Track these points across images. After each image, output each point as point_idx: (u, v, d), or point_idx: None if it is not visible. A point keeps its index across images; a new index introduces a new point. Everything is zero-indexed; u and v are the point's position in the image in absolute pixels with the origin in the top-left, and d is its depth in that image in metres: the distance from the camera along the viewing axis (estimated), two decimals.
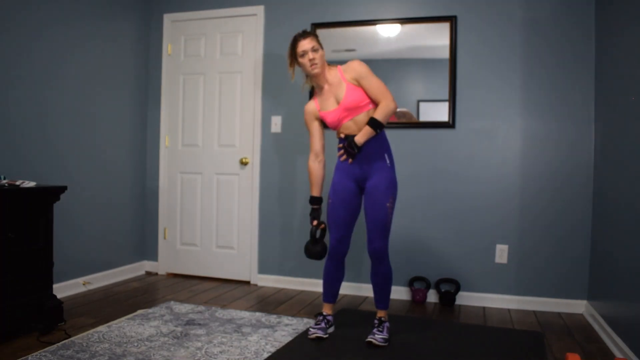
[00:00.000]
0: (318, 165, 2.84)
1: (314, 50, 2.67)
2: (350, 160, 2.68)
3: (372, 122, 2.62)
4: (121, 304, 3.41)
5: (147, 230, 4.40)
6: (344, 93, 2.68)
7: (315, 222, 2.82)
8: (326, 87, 2.76)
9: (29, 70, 3.22)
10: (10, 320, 2.61)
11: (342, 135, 2.72)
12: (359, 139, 2.63)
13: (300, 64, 2.73)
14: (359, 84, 2.68)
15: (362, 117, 2.67)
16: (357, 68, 2.69)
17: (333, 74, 2.75)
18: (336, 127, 2.76)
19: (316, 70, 2.69)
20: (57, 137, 3.45)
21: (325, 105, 2.76)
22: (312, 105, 2.84)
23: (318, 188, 2.85)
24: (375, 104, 2.68)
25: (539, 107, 3.52)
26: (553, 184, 3.50)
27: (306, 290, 3.91)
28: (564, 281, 3.47)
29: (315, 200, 2.85)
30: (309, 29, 3.92)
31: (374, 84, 2.66)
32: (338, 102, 2.71)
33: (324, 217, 2.99)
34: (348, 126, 2.71)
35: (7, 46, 3.07)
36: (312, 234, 2.82)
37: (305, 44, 2.68)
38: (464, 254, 3.63)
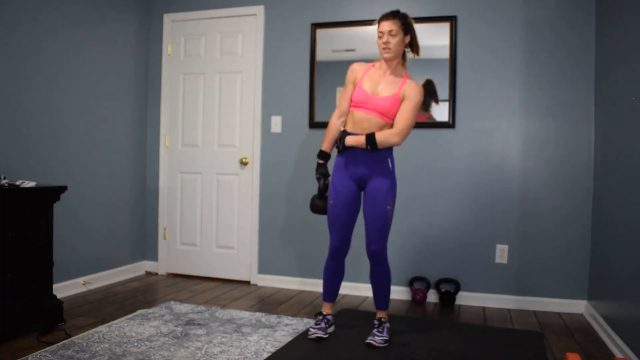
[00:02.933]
0: (339, 123, 2.81)
1: (391, 34, 2.61)
2: (356, 165, 2.69)
3: (369, 138, 2.60)
4: (121, 304, 3.41)
5: (147, 230, 4.40)
6: (387, 96, 2.65)
7: (320, 177, 2.83)
8: (385, 74, 2.70)
9: (29, 70, 3.22)
10: (10, 320, 2.61)
11: (342, 128, 2.73)
12: (350, 141, 2.64)
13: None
14: (402, 100, 2.64)
15: (379, 122, 2.65)
16: (415, 90, 2.64)
17: (398, 74, 2.70)
18: (356, 107, 2.70)
19: (387, 55, 2.64)
20: (57, 137, 3.45)
21: (369, 84, 2.71)
22: (361, 68, 2.78)
23: (330, 144, 2.84)
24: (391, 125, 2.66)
25: (539, 107, 3.53)
26: (553, 184, 3.50)
27: (306, 290, 3.91)
28: (564, 281, 3.47)
29: (324, 155, 2.85)
30: (308, 29, 3.94)
31: (407, 113, 2.61)
32: (377, 94, 2.67)
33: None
34: (363, 117, 2.67)
35: (6, 46, 3.07)
36: (320, 189, 2.82)
37: (385, 25, 2.63)
38: (464, 254, 3.63)
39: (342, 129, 2.73)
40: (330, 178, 2.81)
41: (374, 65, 2.78)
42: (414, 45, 2.74)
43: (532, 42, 3.52)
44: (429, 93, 3.63)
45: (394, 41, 2.62)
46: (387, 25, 2.63)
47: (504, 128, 3.59)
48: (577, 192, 3.45)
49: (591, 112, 3.43)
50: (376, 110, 2.64)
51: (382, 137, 2.60)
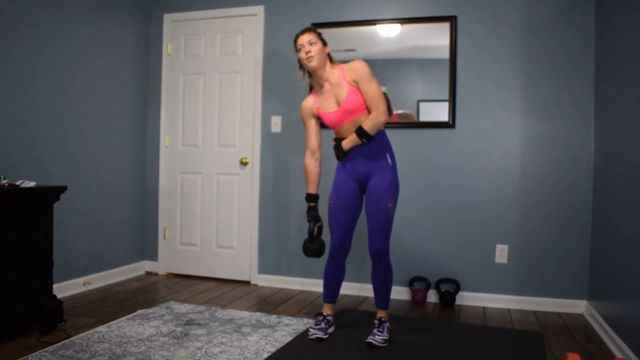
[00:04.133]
0: (314, 162, 2.83)
1: (310, 43, 2.66)
2: (355, 164, 2.70)
3: (360, 132, 2.60)
4: (121, 304, 3.41)
5: (147, 230, 4.40)
6: (345, 95, 2.65)
7: (311, 220, 2.82)
8: (327, 85, 2.73)
9: (29, 71, 3.22)
10: (10, 320, 2.61)
11: (332, 138, 2.74)
12: (345, 145, 2.65)
13: (300, 60, 2.72)
14: (357, 86, 2.64)
15: (363, 119, 2.65)
16: (358, 69, 2.64)
17: (335, 73, 2.71)
18: (335, 128, 2.75)
19: (312, 64, 2.66)
20: (57, 137, 3.45)
21: (324, 105, 2.74)
22: (310, 102, 2.81)
23: (314, 185, 2.84)
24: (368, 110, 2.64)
25: (539, 107, 3.53)
26: (553, 183, 3.50)
27: (306, 290, 3.91)
28: (564, 281, 3.47)
29: (311, 198, 2.84)
30: None
31: (371, 90, 2.61)
32: (338, 104, 2.68)
33: (324, 216, 2.99)
34: (347, 128, 2.69)
35: (7, 46, 3.07)
36: (310, 232, 2.82)
37: (303, 39, 2.69)
38: (464, 254, 3.63)
39: (332, 138, 2.75)
40: (333, 180, 2.82)
41: (315, 91, 2.81)
42: (330, 58, 2.77)
43: (532, 42, 3.52)
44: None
45: (314, 49, 2.65)
46: (304, 38, 2.68)
47: (504, 128, 3.59)
48: (577, 192, 3.45)
49: (591, 111, 3.43)
50: (348, 113, 2.65)
51: (369, 124, 2.60)
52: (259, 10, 4.07)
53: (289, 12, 4.00)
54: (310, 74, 2.77)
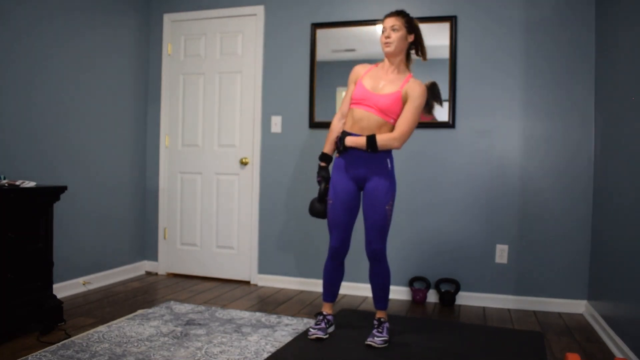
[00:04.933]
0: (340, 125, 2.80)
1: (393, 29, 2.62)
2: (355, 166, 2.66)
3: (370, 140, 2.58)
4: (121, 304, 3.41)
5: (147, 230, 4.40)
6: (389, 93, 2.63)
7: (321, 180, 2.81)
8: (388, 72, 2.69)
9: (28, 70, 3.22)
10: (10, 320, 2.61)
11: (338, 135, 2.70)
12: (350, 142, 2.61)
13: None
14: (404, 100, 2.62)
15: (379, 121, 2.62)
16: (416, 91, 2.60)
17: (401, 72, 2.69)
18: (357, 104, 2.67)
19: (388, 49, 2.63)
20: (57, 137, 3.45)
21: (370, 81, 2.69)
22: (363, 69, 2.77)
23: (332, 147, 2.82)
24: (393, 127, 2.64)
25: (539, 107, 3.53)
26: (553, 183, 3.50)
27: (306, 290, 3.91)
28: (564, 281, 3.47)
29: (325, 158, 2.83)
30: (308, 29, 3.94)
31: (408, 116, 2.59)
32: (378, 92, 2.65)
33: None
34: (362, 115, 2.64)
35: (5, 46, 3.07)
36: (320, 192, 2.80)
37: (388, 22, 2.65)
38: (464, 254, 3.63)
39: (342, 129, 2.72)
40: (331, 180, 2.81)
41: (377, 65, 2.77)
42: (419, 47, 2.73)
43: (532, 42, 3.52)
44: (433, 96, 3.63)
45: (395, 36, 2.61)
46: (389, 21, 2.64)
47: (504, 128, 3.59)
48: (577, 192, 3.45)
49: (591, 112, 3.43)
50: (376, 107, 2.62)
51: (383, 140, 2.58)
52: (259, 10, 4.07)
53: (289, 12, 4.00)
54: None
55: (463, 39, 3.63)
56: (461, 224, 3.64)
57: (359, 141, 2.61)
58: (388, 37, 2.62)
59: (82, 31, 3.63)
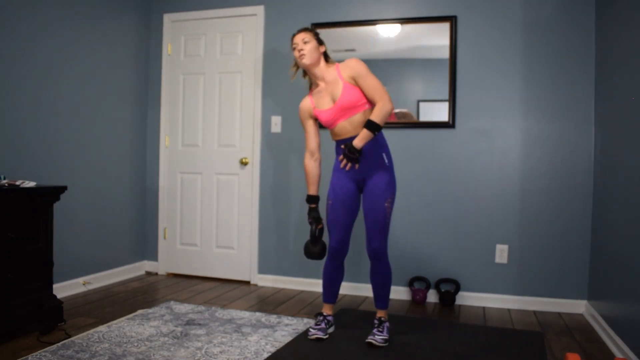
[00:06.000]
0: (314, 163, 2.83)
1: (304, 42, 2.68)
2: (355, 166, 2.57)
3: (370, 125, 2.55)
4: (121, 304, 3.41)
5: (147, 230, 4.40)
6: (340, 92, 2.65)
7: (312, 222, 2.81)
8: (322, 84, 2.73)
9: (29, 70, 3.22)
10: (10, 320, 2.61)
11: (343, 146, 2.60)
12: (357, 143, 2.55)
13: (295, 58, 2.75)
14: (356, 82, 2.64)
15: (358, 117, 2.64)
16: (354, 66, 2.64)
17: (331, 72, 2.72)
18: (331, 127, 2.72)
19: (304, 61, 2.68)
20: (57, 137, 3.45)
21: (320, 103, 2.73)
22: (307, 103, 2.81)
23: (315, 187, 2.84)
24: (372, 104, 2.63)
25: (539, 107, 3.52)
26: (553, 183, 3.50)
27: (306, 290, 3.91)
28: (564, 281, 3.47)
29: (312, 199, 2.83)
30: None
31: (372, 84, 2.60)
32: (334, 101, 2.67)
33: (322, 217, 2.99)
34: (343, 126, 2.67)
35: (6, 46, 3.07)
36: (312, 234, 2.81)
37: (297, 37, 2.72)
38: (464, 254, 3.63)
39: (342, 147, 2.60)
40: (331, 181, 2.81)
41: (311, 90, 2.82)
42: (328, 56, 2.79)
43: (532, 42, 3.52)
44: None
45: (307, 47, 2.68)
46: (299, 37, 2.72)
47: (504, 128, 3.59)
48: (577, 192, 3.45)
49: (591, 112, 3.43)
50: (344, 111, 2.64)
51: (378, 116, 2.55)
52: (259, 10, 4.07)
53: (289, 12, 4.00)
54: (307, 73, 2.80)
55: (463, 39, 3.63)
56: (461, 224, 3.64)
57: (364, 135, 2.55)
58: (301, 49, 2.68)
59: (82, 31, 3.63)
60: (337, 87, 2.67)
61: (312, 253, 2.83)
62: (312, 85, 2.84)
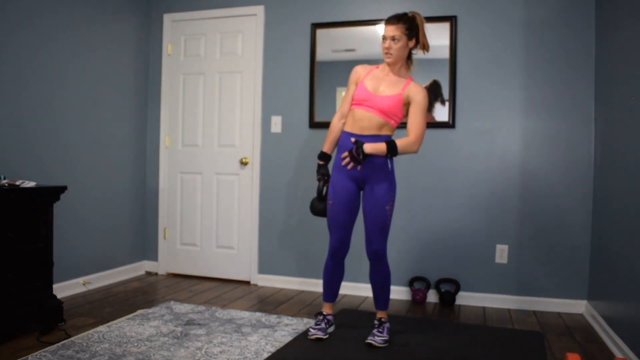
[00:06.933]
0: (340, 125, 2.80)
1: (393, 39, 2.61)
2: (357, 167, 2.60)
3: (391, 144, 2.56)
4: (121, 304, 3.41)
5: (147, 230, 4.40)
6: (391, 95, 2.63)
7: (321, 179, 2.81)
8: (389, 75, 2.70)
9: (29, 70, 3.22)
10: (10, 320, 2.61)
11: (353, 140, 2.61)
12: (369, 149, 2.55)
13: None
14: (407, 104, 2.64)
15: (380, 122, 2.63)
16: (419, 94, 2.62)
17: (402, 75, 2.70)
18: (357, 105, 2.68)
19: (388, 60, 2.65)
20: (57, 137, 3.45)
21: (371, 82, 2.70)
22: (363, 69, 2.78)
23: (331, 146, 2.83)
24: (394, 127, 2.67)
25: (539, 107, 3.53)
26: (553, 183, 3.50)
27: (306, 290, 3.91)
28: (564, 281, 3.47)
29: (324, 156, 2.84)
30: (308, 29, 3.94)
31: (418, 119, 2.61)
32: (379, 93, 2.65)
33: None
34: (363, 115, 2.65)
35: (7, 46, 3.07)
36: (319, 191, 2.81)
37: (388, 31, 2.62)
38: (464, 254, 3.63)
39: (352, 140, 2.62)
40: (330, 180, 2.80)
41: (377, 67, 2.78)
42: (421, 44, 2.72)
43: (532, 42, 3.52)
44: (435, 94, 3.63)
45: (395, 47, 2.61)
46: (390, 31, 2.61)
47: (504, 128, 3.59)
48: (577, 192, 3.45)
49: (591, 111, 3.43)
50: (377, 108, 2.63)
51: (402, 146, 2.58)
52: (259, 10, 4.07)
53: (289, 12, 4.00)
54: None
55: (463, 38, 3.63)
56: (461, 224, 3.64)
57: (379, 147, 2.56)
58: (388, 47, 2.62)
59: (82, 31, 3.63)
60: (392, 90, 2.65)
61: (317, 209, 2.83)
62: (381, 64, 2.77)
